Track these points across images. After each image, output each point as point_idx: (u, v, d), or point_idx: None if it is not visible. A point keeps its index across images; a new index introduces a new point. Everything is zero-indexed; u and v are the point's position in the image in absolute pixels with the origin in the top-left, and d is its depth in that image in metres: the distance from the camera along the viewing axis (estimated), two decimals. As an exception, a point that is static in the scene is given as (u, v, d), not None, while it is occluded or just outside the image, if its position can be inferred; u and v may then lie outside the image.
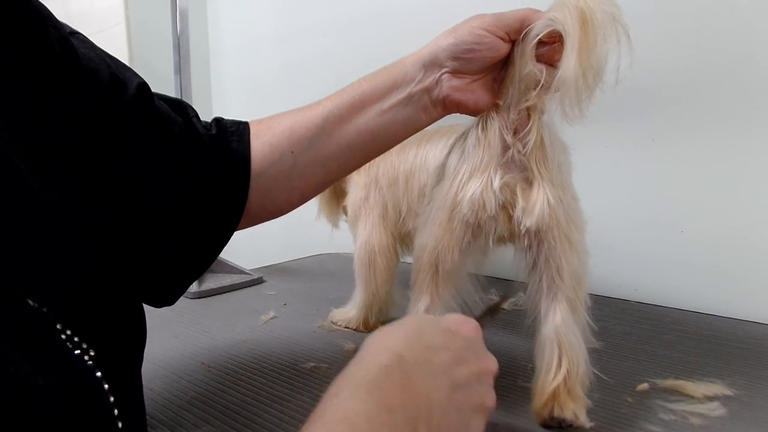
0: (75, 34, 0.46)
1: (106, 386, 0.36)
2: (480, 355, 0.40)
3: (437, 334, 0.39)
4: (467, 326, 0.41)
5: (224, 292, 1.02)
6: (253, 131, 0.55)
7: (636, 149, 0.91)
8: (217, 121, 0.56)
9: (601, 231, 0.92)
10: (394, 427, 0.30)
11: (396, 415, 0.31)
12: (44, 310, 0.34)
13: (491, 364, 0.40)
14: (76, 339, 0.35)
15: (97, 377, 0.35)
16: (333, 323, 0.82)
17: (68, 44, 0.43)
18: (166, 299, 0.53)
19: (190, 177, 0.50)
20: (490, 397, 0.39)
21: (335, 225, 0.91)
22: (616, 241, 0.94)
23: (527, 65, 0.47)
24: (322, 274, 1.15)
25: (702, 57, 0.83)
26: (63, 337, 0.34)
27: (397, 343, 0.36)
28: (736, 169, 0.82)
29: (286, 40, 1.51)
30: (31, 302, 0.33)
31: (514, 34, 0.49)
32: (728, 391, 0.56)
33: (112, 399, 0.36)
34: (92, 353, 0.36)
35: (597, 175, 0.94)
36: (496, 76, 0.52)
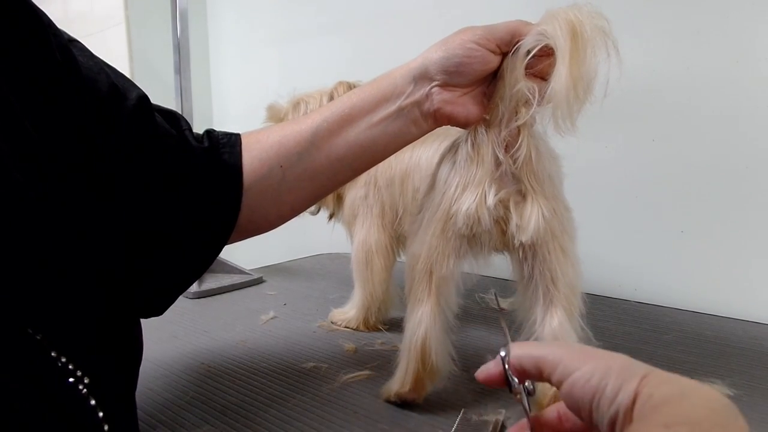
0: (73, 41, 0.45)
1: (101, 414, 0.35)
2: None
3: None
4: None
5: (224, 292, 1.02)
6: (243, 144, 0.55)
7: (636, 149, 0.92)
8: (209, 133, 0.56)
9: (601, 231, 0.92)
10: None
11: None
12: (38, 337, 0.33)
13: None
14: (70, 367, 0.35)
15: (91, 406, 0.35)
16: (333, 323, 0.82)
17: (68, 52, 0.43)
18: (153, 310, 0.53)
19: (182, 190, 0.50)
20: None
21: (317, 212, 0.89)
22: (616, 240, 0.94)
23: (518, 83, 0.47)
24: (322, 274, 1.15)
25: (702, 57, 0.83)
26: (58, 365, 0.34)
27: None
28: (736, 168, 0.82)
29: (286, 41, 1.51)
30: (27, 330, 0.32)
31: (505, 47, 0.48)
32: (728, 391, 0.56)
33: (106, 428, 0.35)
34: (87, 381, 0.35)
35: (597, 175, 0.94)
36: (486, 89, 0.51)
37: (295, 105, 0.83)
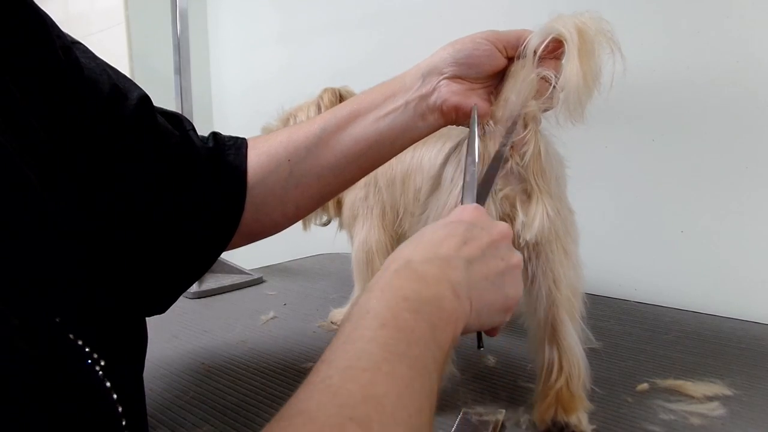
0: (76, 43, 0.46)
1: (115, 396, 0.35)
2: (486, 227, 0.43)
3: (438, 230, 0.41)
4: (466, 212, 0.44)
5: (224, 292, 1.02)
6: (250, 144, 0.56)
7: (636, 149, 0.91)
8: (215, 135, 0.57)
9: (601, 231, 0.92)
10: (416, 310, 0.34)
11: (413, 301, 0.34)
12: (57, 320, 0.33)
13: (501, 229, 0.43)
14: (87, 349, 0.35)
15: (107, 388, 0.35)
16: (333, 323, 0.82)
17: (71, 53, 0.43)
18: (154, 309, 0.53)
19: (185, 190, 0.51)
20: (512, 257, 0.43)
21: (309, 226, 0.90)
22: (616, 240, 0.94)
23: (531, 72, 0.48)
24: (322, 274, 1.15)
25: (702, 57, 0.83)
26: (76, 347, 0.34)
27: (402, 252, 0.39)
28: (736, 168, 0.82)
29: (285, 41, 1.51)
30: (47, 313, 0.33)
31: (511, 50, 0.50)
32: (728, 391, 0.56)
33: (120, 409, 0.36)
34: (102, 363, 0.35)
35: (597, 175, 0.94)
36: (492, 90, 0.52)
37: (285, 122, 0.84)
